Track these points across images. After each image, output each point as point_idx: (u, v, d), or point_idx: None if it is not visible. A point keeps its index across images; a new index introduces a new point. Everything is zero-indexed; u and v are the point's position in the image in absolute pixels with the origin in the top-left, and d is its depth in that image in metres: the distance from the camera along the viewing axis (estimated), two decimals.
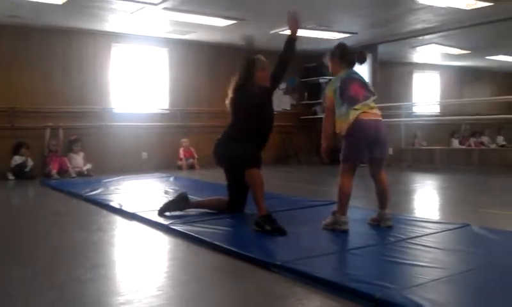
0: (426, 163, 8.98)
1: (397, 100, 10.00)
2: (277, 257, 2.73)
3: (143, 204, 4.58)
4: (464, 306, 2.11)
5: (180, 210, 4.00)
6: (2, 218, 4.52)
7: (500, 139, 12.62)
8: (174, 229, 3.53)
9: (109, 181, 6.60)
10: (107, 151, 8.44)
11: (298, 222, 3.68)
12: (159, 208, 4.02)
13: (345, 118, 3.33)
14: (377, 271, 2.53)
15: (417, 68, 12.66)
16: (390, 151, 8.99)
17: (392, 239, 3.15)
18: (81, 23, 7.80)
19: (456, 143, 11.77)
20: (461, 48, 10.17)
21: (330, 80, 3.59)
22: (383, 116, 3.51)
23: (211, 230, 3.42)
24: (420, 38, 9.13)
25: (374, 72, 9.50)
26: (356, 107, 3.30)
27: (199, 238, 3.22)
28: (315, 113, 10.65)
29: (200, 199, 4.33)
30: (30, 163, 7.59)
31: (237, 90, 3.89)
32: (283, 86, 10.26)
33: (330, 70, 3.62)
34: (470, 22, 7.76)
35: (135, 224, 3.95)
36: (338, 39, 8.21)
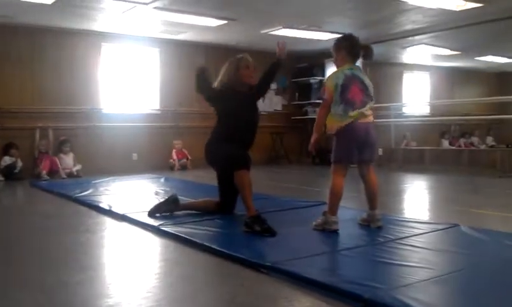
0: (416, 163, 9.02)
1: (387, 100, 10.02)
2: (267, 258, 2.74)
3: (132, 206, 4.56)
4: (453, 306, 2.12)
5: (171, 211, 3.99)
6: None
7: (490, 140, 12.72)
8: (164, 230, 3.52)
9: (98, 182, 6.56)
10: (97, 152, 8.37)
11: (288, 223, 3.69)
12: (149, 210, 4.01)
13: (338, 119, 3.36)
14: (366, 272, 2.54)
15: (407, 69, 12.70)
16: (380, 151, 9.06)
17: (382, 240, 3.17)
18: (70, 22, 7.74)
19: (446, 144, 11.82)
20: (451, 49, 10.23)
21: (333, 72, 3.55)
22: (374, 116, 3.52)
23: (201, 231, 3.41)
24: (410, 38, 9.16)
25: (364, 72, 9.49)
26: (351, 114, 3.32)
27: (189, 239, 3.22)
28: (306, 113, 10.67)
29: (190, 200, 4.33)
30: (19, 164, 7.53)
31: (219, 91, 3.92)
32: (274, 86, 10.26)
33: (333, 60, 3.62)
34: (460, 23, 7.81)
35: (125, 225, 3.93)
36: (328, 40, 8.21)
